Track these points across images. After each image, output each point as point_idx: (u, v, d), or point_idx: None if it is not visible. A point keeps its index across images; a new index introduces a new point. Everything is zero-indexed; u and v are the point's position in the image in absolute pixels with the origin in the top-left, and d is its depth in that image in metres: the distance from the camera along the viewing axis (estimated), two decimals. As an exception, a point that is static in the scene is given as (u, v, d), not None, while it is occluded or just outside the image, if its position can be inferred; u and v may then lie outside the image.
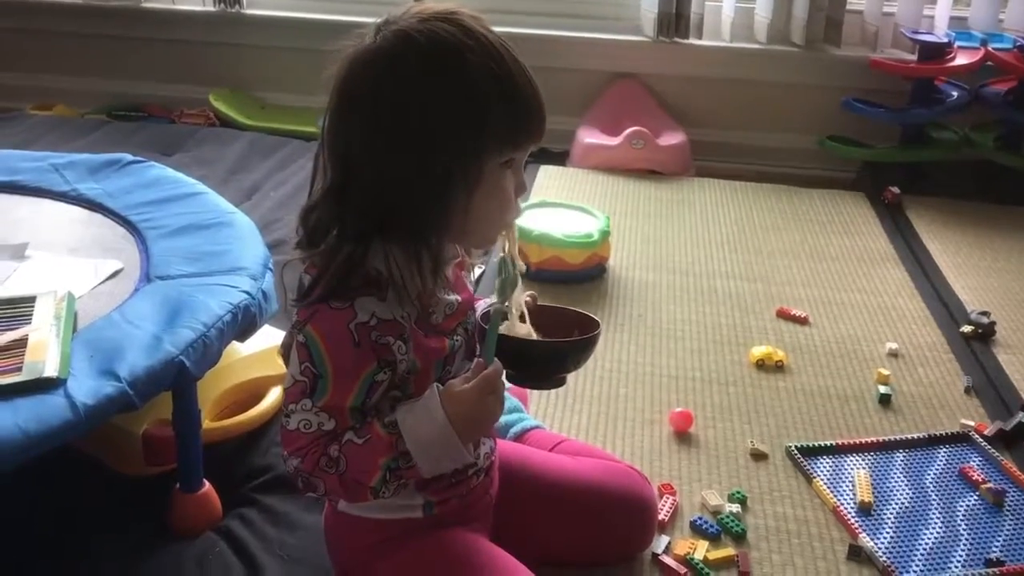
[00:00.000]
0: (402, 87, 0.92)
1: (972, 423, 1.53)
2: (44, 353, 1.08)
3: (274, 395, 1.41)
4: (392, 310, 0.96)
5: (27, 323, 1.15)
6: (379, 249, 0.95)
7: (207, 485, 1.25)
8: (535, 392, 1.52)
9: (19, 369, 1.06)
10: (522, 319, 1.09)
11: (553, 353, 1.07)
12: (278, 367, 1.45)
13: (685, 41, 2.71)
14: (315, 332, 0.95)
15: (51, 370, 1.05)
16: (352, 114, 0.95)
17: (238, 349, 1.42)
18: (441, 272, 0.99)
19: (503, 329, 1.04)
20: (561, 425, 1.49)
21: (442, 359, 1.02)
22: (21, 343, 1.11)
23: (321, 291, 0.95)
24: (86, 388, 1.04)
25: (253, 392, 1.41)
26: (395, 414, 0.97)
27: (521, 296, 1.10)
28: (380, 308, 0.95)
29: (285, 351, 1.01)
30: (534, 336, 1.09)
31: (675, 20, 2.68)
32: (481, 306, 1.12)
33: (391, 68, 0.93)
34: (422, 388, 1.00)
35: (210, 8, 2.87)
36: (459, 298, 1.05)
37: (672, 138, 2.65)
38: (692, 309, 1.89)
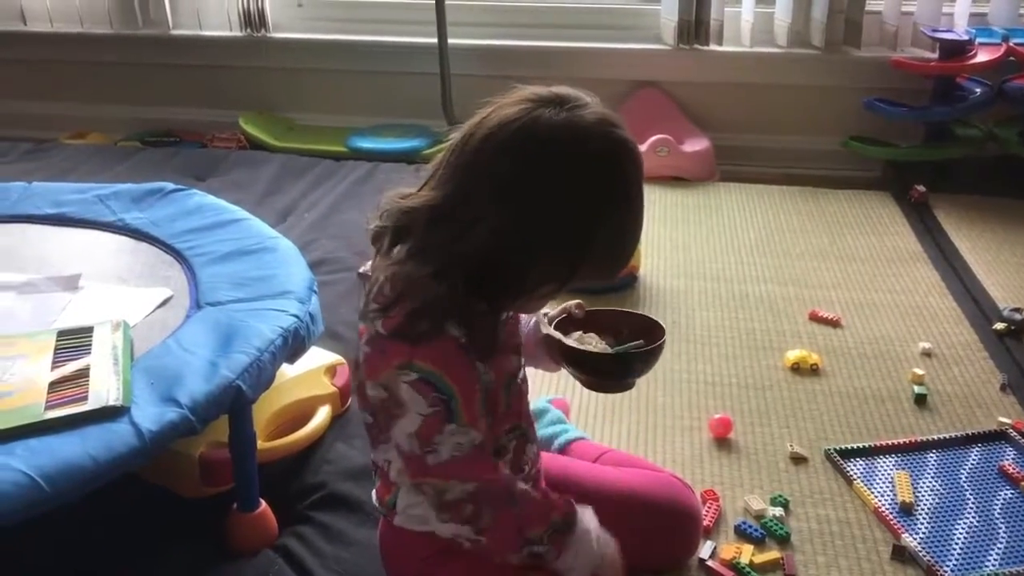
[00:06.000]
0: (557, 203, 0.95)
1: (1009, 420, 1.54)
2: (107, 382, 1.12)
3: (323, 414, 1.45)
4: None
5: (87, 353, 1.19)
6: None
7: (263, 504, 1.28)
8: (575, 404, 1.55)
9: (85, 399, 1.09)
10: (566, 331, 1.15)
11: (624, 362, 1.14)
12: (325, 386, 1.49)
13: (705, 48, 2.73)
14: (428, 363, 0.98)
15: (115, 399, 1.09)
16: (497, 177, 0.96)
17: (285, 370, 1.45)
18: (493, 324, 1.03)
19: (574, 340, 1.13)
20: (602, 435, 1.51)
21: (514, 375, 1.08)
22: (84, 373, 1.14)
23: (429, 325, 0.97)
24: (149, 415, 1.08)
25: (302, 412, 1.45)
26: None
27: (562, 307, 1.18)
28: (460, 331, 0.99)
29: (372, 404, 1.03)
30: (602, 345, 1.16)
31: (695, 27, 2.70)
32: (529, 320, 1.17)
33: (567, 175, 0.95)
34: (492, 406, 1.05)
35: (237, 33, 2.93)
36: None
37: (696, 144, 2.67)
38: (725, 315, 1.91)
